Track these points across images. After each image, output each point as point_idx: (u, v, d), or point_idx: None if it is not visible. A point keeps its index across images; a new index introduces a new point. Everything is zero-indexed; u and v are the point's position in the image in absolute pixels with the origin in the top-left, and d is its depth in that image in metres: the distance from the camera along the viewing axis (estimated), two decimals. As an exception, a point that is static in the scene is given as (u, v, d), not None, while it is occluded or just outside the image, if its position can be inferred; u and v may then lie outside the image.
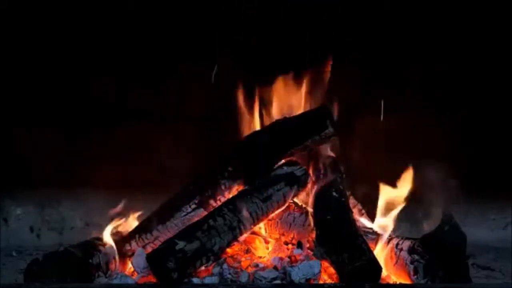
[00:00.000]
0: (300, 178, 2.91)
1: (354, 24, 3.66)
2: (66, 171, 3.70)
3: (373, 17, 3.66)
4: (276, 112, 3.18)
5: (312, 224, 2.85)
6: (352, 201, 3.09)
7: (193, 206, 2.92)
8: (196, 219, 2.78)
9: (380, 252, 2.73)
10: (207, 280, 2.57)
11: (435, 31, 3.68)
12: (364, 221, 3.04)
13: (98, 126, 3.74)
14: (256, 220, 2.76)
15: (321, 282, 2.58)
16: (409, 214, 3.47)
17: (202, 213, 2.87)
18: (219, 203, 2.89)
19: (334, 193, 2.87)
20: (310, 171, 3.01)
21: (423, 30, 3.68)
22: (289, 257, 2.76)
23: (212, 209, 2.82)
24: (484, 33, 3.66)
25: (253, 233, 2.90)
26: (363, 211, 3.12)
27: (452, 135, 3.65)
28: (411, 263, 2.58)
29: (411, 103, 3.65)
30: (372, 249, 2.62)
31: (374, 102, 3.63)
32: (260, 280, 2.56)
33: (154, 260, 2.54)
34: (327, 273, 2.62)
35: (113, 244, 2.80)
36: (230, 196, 2.88)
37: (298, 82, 3.20)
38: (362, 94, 3.67)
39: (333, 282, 2.57)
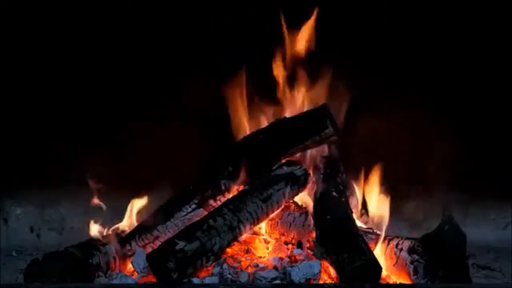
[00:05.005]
0: (300, 178, 2.91)
1: (352, 24, 3.66)
2: (66, 171, 3.70)
3: (373, 17, 3.66)
4: (276, 112, 3.18)
5: (312, 224, 2.85)
6: (352, 201, 3.09)
7: (193, 206, 2.92)
8: (196, 219, 2.78)
9: (380, 252, 2.73)
10: (207, 280, 2.57)
11: (434, 31, 3.68)
12: (364, 221, 3.05)
13: (98, 126, 3.74)
14: (256, 220, 2.76)
15: (321, 282, 2.58)
16: (409, 214, 3.48)
17: (202, 213, 2.87)
18: (219, 203, 2.89)
19: (334, 193, 2.87)
20: (310, 171, 3.01)
21: (422, 30, 3.68)
22: (289, 257, 2.76)
23: (212, 209, 2.82)
24: (485, 33, 3.67)
25: (253, 233, 2.90)
26: (363, 211, 3.12)
27: (452, 135, 3.65)
28: (411, 263, 2.58)
29: (411, 103, 3.64)
30: (372, 249, 2.62)
31: (374, 102, 3.63)
32: (260, 280, 2.56)
33: (154, 260, 2.54)
34: (327, 273, 2.63)
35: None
36: (230, 196, 2.88)
37: (298, 82, 3.21)
38: (362, 94, 3.67)
39: (333, 282, 2.57)
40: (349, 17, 3.65)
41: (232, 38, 3.66)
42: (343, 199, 2.88)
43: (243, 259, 2.74)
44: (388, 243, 2.75)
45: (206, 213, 2.83)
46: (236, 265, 2.68)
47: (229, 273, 2.61)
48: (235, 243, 2.76)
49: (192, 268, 2.54)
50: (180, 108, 3.71)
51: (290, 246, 2.89)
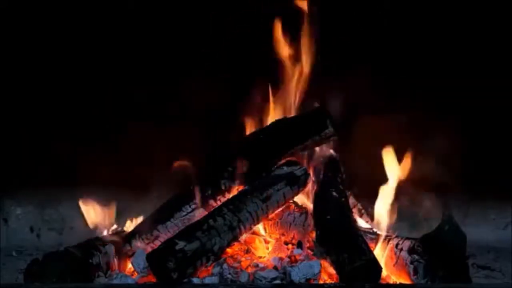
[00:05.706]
0: (300, 178, 2.91)
1: (352, 24, 3.66)
2: (66, 171, 3.70)
3: (373, 17, 3.66)
4: (276, 112, 3.18)
5: (312, 224, 2.85)
6: (352, 201, 3.09)
7: (193, 206, 2.92)
8: (196, 219, 2.78)
9: (380, 252, 2.73)
10: (207, 280, 2.57)
11: (434, 31, 3.69)
12: (364, 221, 3.05)
13: (98, 126, 3.74)
14: (256, 220, 2.76)
15: (321, 282, 2.58)
16: (409, 214, 3.48)
17: (202, 213, 2.87)
18: (219, 203, 2.89)
19: (334, 193, 2.87)
20: (310, 171, 3.01)
21: (421, 31, 3.68)
22: (289, 257, 2.76)
23: (212, 209, 2.82)
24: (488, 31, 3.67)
25: (253, 233, 2.90)
26: (363, 211, 3.12)
27: (452, 135, 3.65)
28: (411, 263, 2.58)
29: (411, 103, 3.64)
30: (372, 249, 2.62)
31: (374, 102, 3.63)
32: (260, 280, 2.56)
33: (154, 260, 2.54)
34: (327, 273, 2.62)
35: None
36: (230, 196, 2.88)
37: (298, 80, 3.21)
38: (362, 94, 3.67)
39: (333, 282, 2.57)
40: (349, 17, 3.65)
41: (232, 38, 3.66)
42: (343, 199, 2.88)
43: (243, 259, 2.74)
44: (388, 243, 2.75)
45: (206, 213, 2.83)
46: (236, 265, 2.68)
47: (229, 273, 2.61)
48: (235, 243, 2.76)
49: (192, 268, 2.54)
50: (180, 108, 3.71)
51: (290, 246, 2.89)
